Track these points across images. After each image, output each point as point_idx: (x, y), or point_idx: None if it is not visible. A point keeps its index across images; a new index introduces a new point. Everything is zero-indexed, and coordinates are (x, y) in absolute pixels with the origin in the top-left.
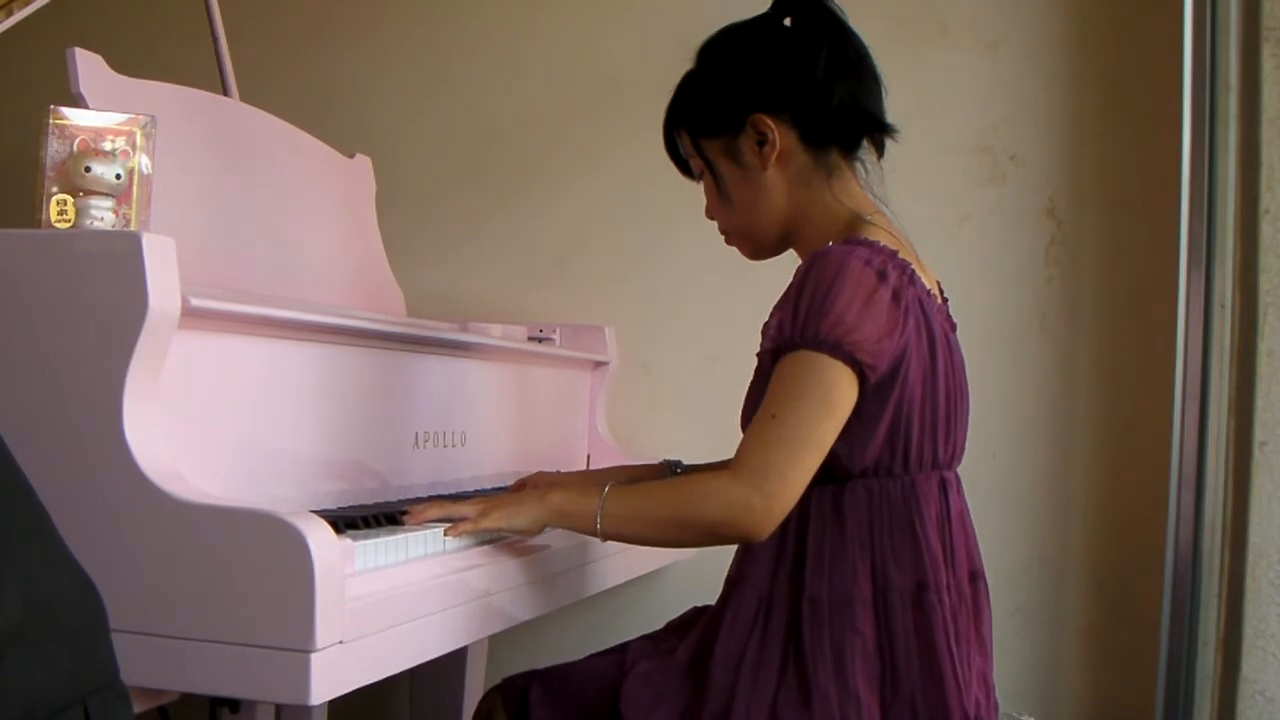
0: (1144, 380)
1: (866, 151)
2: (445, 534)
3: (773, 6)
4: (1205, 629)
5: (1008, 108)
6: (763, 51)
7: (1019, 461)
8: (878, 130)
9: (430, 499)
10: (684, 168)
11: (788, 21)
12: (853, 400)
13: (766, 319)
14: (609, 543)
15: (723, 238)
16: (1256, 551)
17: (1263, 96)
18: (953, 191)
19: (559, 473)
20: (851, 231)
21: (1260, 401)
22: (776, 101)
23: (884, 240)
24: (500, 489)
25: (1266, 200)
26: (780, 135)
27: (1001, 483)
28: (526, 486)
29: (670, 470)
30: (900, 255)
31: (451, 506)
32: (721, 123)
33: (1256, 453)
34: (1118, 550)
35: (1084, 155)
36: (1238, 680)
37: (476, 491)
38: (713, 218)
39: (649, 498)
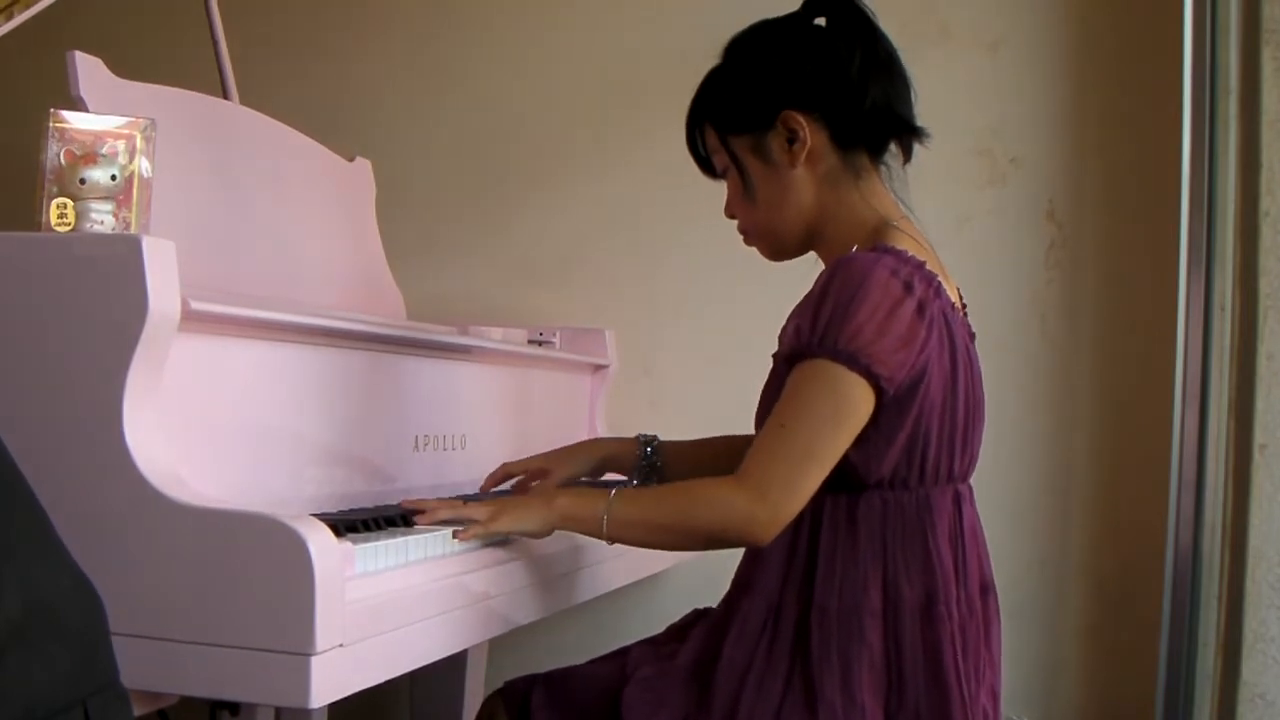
0: (1144, 383)
1: (892, 156)
2: (454, 537)
3: (804, 6)
4: (1205, 631)
5: (1007, 109)
6: (796, 49)
7: (1019, 463)
8: (908, 133)
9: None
10: (705, 165)
11: (820, 21)
12: (867, 413)
13: (784, 322)
14: (609, 546)
15: (741, 238)
16: (1256, 554)
17: (1263, 98)
18: (952, 193)
19: (539, 455)
20: (878, 237)
21: (1260, 404)
22: (809, 100)
23: (911, 249)
24: (501, 493)
25: (1266, 203)
26: (811, 134)
27: (1002, 484)
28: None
29: (644, 446)
30: (927, 266)
31: (461, 509)
32: (751, 119)
33: (1256, 455)
34: (1118, 552)
35: (1084, 157)
36: (1237, 683)
37: (475, 495)
38: (732, 216)
39: (654, 503)
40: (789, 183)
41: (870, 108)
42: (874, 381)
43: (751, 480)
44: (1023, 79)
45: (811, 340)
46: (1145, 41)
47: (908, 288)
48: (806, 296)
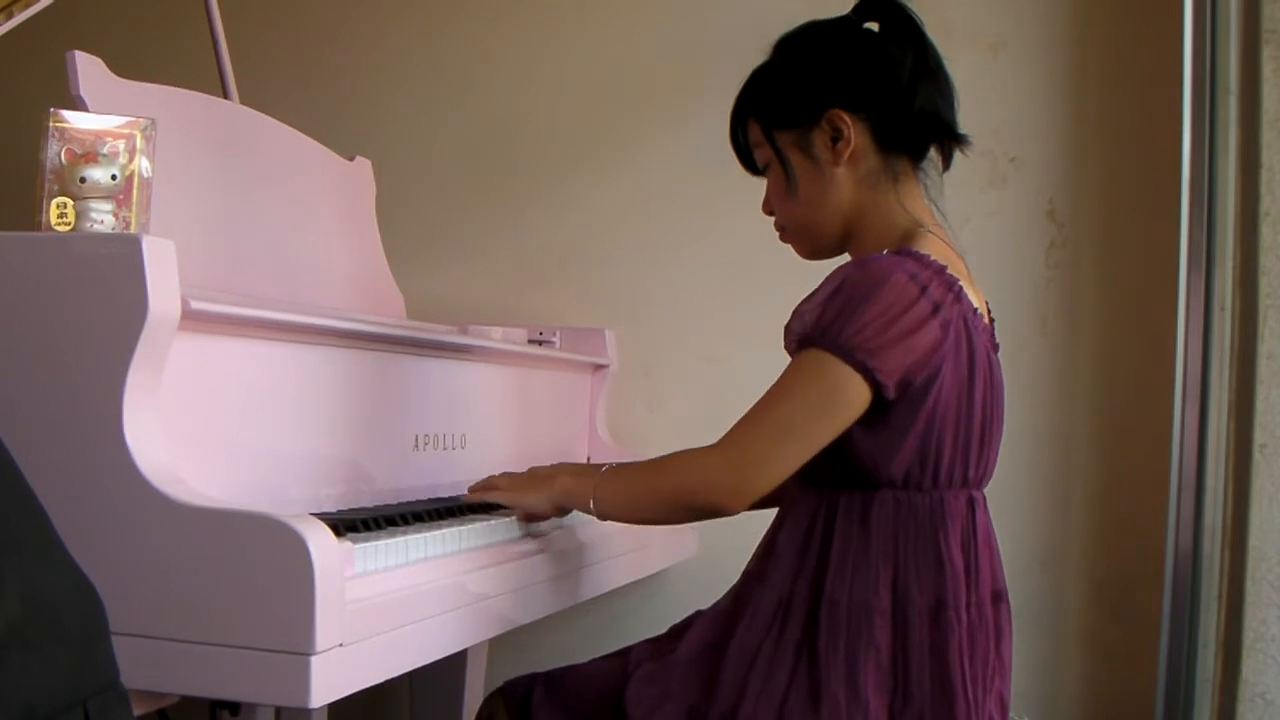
0: (1144, 382)
1: (931, 163)
2: (469, 490)
3: (855, 9)
4: (1205, 631)
5: (1008, 110)
6: (848, 50)
7: (1019, 464)
8: (950, 139)
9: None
10: (746, 160)
11: (871, 26)
12: (859, 408)
13: (790, 317)
14: (609, 546)
15: (778, 234)
16: (1256, 554)
17: (1263, 98)
18: (953, 194)
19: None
20: (907, 241)
21: (1260, 404)
22: (857, 100)
23: (935, 253)
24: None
25: (1266, 202)
26: (855, 133)
27: (1001, 484)
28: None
29: None
30: (949, 271)
31: (493, 477)
32: (798, 114)
33: (1256, 455)
34: (1118, 552)
35: (1084, 157)
36: (1238, 683)
37: None
38: (770, 212)
39: (634, 472)
40: (830, 180)
41: (918, 112)
42: (869, 376)
43: (726, 446)
44: (1023, 79)
45: (815, 331)
46: (1145, 41)
47: (923, 290)
48: (819, 287)
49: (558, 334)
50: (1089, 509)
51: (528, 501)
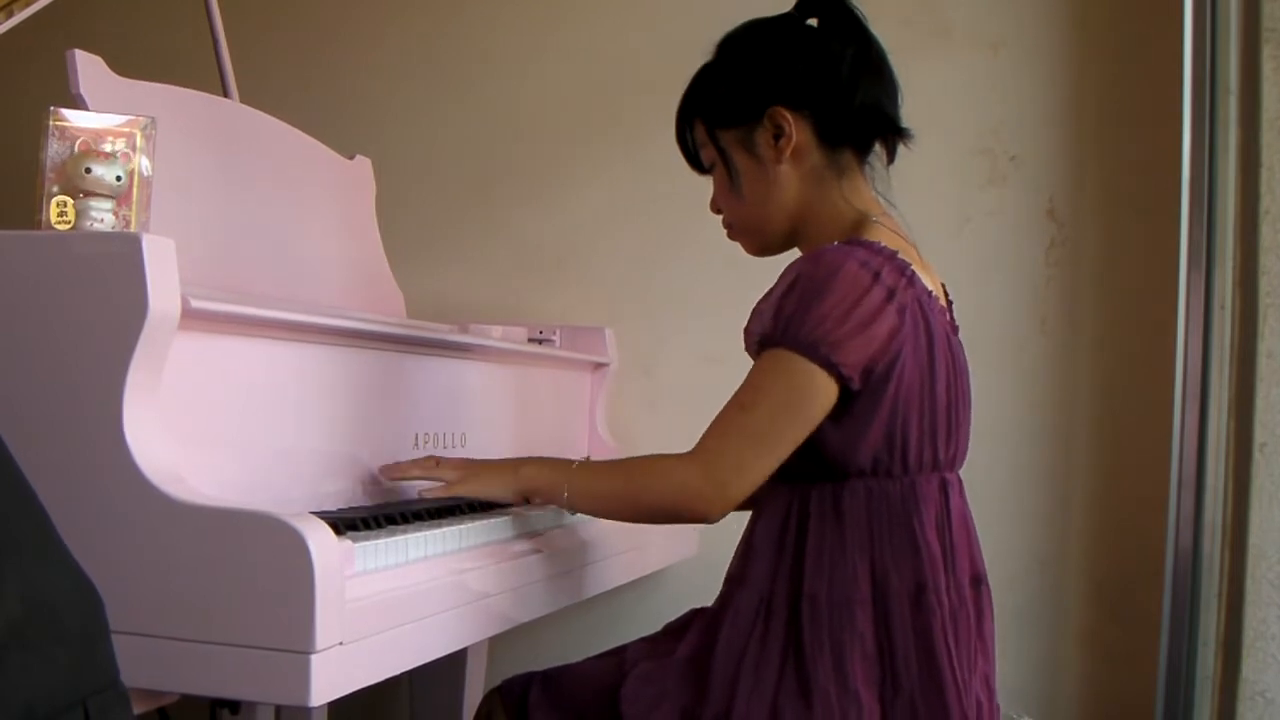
0: (1144, 381)
1: (876, 155)
2: (419, 494)
3: (796, 6)
4: (1205, 630)
5: (1008, 109)
6: (788, 47)
7: (1019, 463)
8: (893, 133)
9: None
10: (694, 160)
11: (812, 22)
12: (827, 402)
13: (749, 317)
14: (608, 544)
15: (725, 232)
16: (1256, 552)
17: (1263, 98)
18: (953, 193)
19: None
20: (856, 232)
21: (1260, 403)
22: (798, 97)
23: (886, 241)
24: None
25: (1266, 201)
26: (797, 130)
27: (1001, 484)
28: None
29: None
30: (900, 256)
31: (433, 469)
32: (739, 113)
33: (1256, 454)
34: (1118, 551)
35: (1084, 156)
36: (1238, 681)
37: None
38: (718, 211)
39: (611, 473)
40: (774, 178)
41: (859, 107)
42: (834, 371)
43: (701, 457)
44: (1023, 79)
45: (775, 329)
46: (1145, 41)
47: (876, 277)
48: (774, 286)
49: (558, 333)
50: (1089, 509)
51: (488, 491)
